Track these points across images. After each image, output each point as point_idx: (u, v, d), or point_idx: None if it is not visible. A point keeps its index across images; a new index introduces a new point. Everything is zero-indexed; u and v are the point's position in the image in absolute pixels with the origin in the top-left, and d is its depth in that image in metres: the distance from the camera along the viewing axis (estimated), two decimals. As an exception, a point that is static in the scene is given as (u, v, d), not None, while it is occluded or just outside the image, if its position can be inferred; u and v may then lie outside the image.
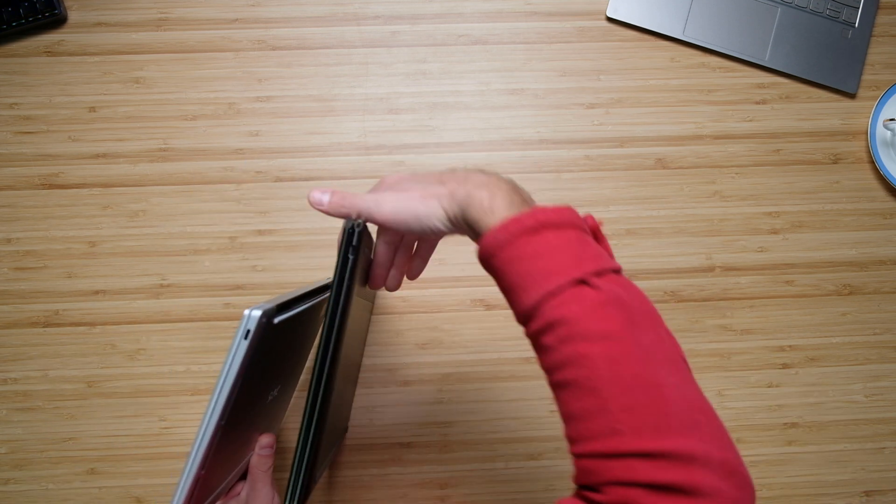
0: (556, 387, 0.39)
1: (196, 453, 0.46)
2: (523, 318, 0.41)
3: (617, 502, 0.34)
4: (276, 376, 0.57)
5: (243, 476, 0.59)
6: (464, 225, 0.44)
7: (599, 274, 0.39)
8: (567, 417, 0.39)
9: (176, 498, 0.46)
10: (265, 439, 0.57)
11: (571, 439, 0.38)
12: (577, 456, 0.37)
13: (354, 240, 0.49)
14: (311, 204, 0.49)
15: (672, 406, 0.35)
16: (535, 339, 0.40)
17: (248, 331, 0.45)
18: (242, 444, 0.56)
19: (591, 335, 0.37)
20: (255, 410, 0.55)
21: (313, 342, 0.70)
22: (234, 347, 0.45)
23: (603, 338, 0.37)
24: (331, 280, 0.53)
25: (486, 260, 0.42)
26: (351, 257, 0.49)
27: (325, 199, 0.49)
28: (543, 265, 0.40)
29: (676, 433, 0.34)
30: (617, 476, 0.35)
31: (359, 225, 0.49)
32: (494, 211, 0.42)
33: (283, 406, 0.68)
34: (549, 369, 0.40)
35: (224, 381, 0.45)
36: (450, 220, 0.45)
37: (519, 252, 0.40)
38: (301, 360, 0.67)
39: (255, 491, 0.56)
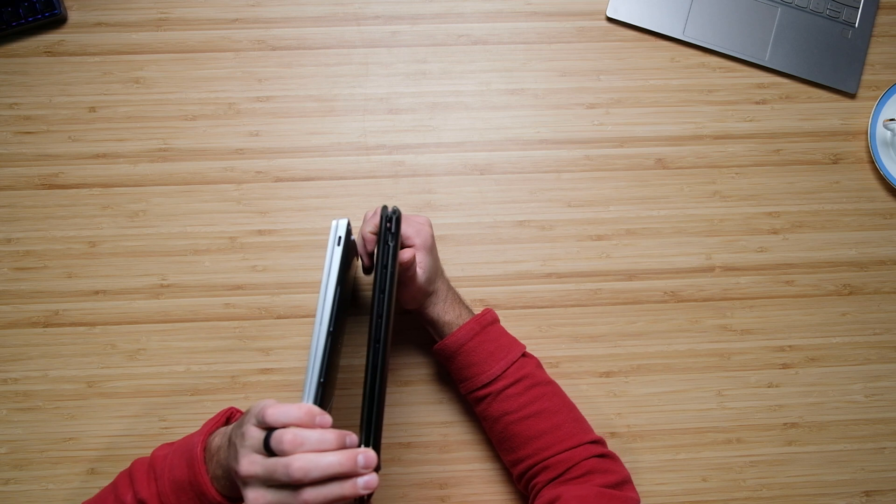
0: (522, 419, 0.63)
1: (314, 363, 0.49)
2: (491, 379, 0.64)
3: (587, 470, 0.61)
4: (341, 321, 0.60)
5: None
6: (431, 310, 0.67)
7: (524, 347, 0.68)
8: (533, 436, 0.63)
9: (304, 401, 0.49)
10: None
11: (540, 449, 0.62)
12: (551, 456, 0.62)
13: (393, 226, 0.51)
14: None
15: (582, 416, 0.66)
16: (500, 392, 0.64)
17: (340, 237, 0.51)
18: (329, 394, 0.58)
19: (542, 381, 0.66)
20: (336, 350, 0.58)
21: (348, 305, 0.72)
22: (330, 254, 0.51)
23: (547, 383, 0.66)
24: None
25: (466, 341, 0.65)
26: (391, 244, 0.50)
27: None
28: (503, 343, 0.66)
29: (591, 430, 0.66)
30: (582, 456, 0.62)
31: (395, 211, 0.51)
32: (460, 317, 0.67)
33: (337, 372, 0.70)
34: (515, 409, 0.63)
35: (326, 287, 0.50)
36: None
37: (485, 335, 0.65)
38: (344, 324, 0.69)
39: None
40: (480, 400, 0.66)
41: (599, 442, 0.65)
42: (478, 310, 0.69)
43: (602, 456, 0.63)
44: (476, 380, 0.65)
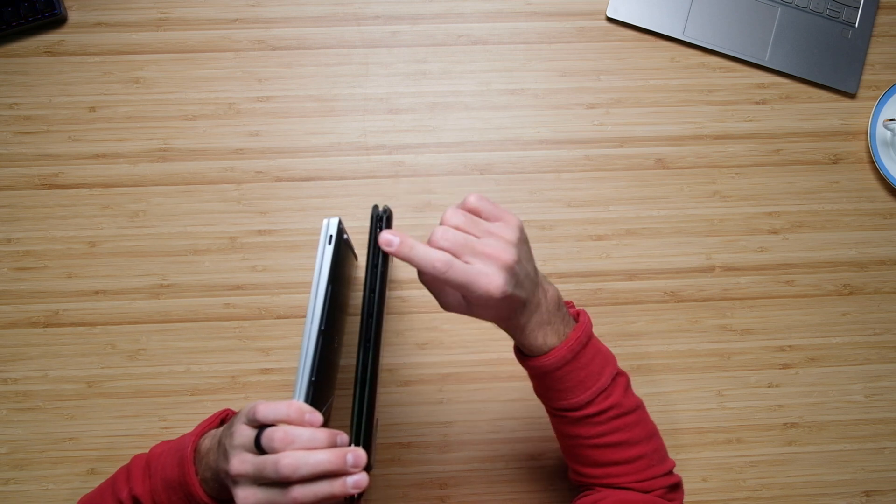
0: (598, 446, 0.57)
1: (304, 362, 0.49)
2: (574, 407, 0.56)
3: (664, 493, 0.58)
4: (337, 320, 0.59)
5: None
6: (517, 316, 0.51)
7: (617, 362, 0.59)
8: (605, 463, 0.58)
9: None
10: None
11: (610, 475, 0.58)
12: (619, 485, 0.57)
13: (384, 225, 0.50)
14: (380, 244, 0.47)
15: (661, 441, 0.61)
16: (585, 418, 0.56)
17: (331, 236, 0.51)
18: (324, 394, 0.57)
19: (628, 410, 0.57)
20: (332, 349, 0.58)
21: (348, 303, 0.72)
22: (321, 254, 0.51)
23: (634, 409, 0.58)
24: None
25: (553, 370, 0.54)
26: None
27: (396, 241, 0.46)
28: (593, 370, 0.55)
29: (667, 457, 0.61)
30: (656, 486, 0.58)
31: (386, 210, 0.51)
32: (547, 338, 0.53)
33: (336, 371, 0.69)
34: (593, 436, 0.57)
35: (317, 286, 0.50)
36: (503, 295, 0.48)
37: (575, 363, 0.54)
38: (342, 321, 0.69)
39: None
40: (555, 415, 0.59)
41: (670, 472, 0.60)
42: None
43: (673, 487, 0.59)
44: (556, 402, 0.57)
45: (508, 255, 0.47)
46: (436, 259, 0.45)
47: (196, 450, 0.53)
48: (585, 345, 0.55)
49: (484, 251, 0.47)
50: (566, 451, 0.61)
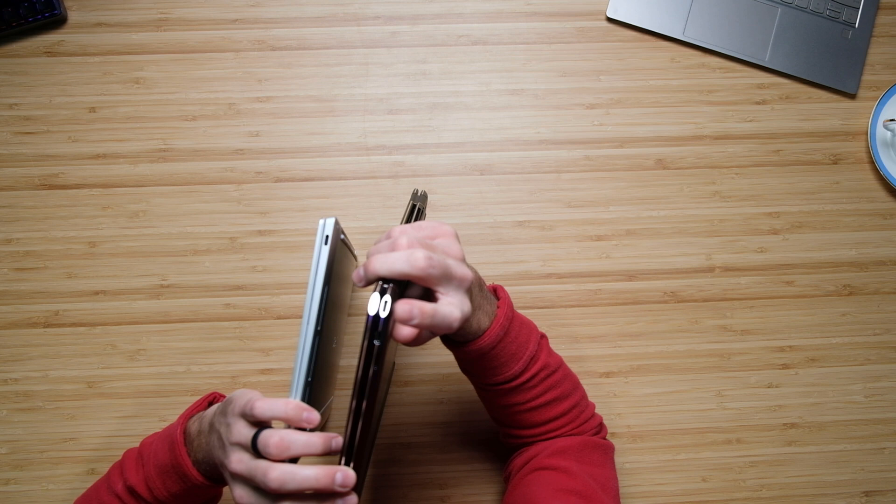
0: (533, 408, 0.59)
1: (301, 361, 0.49)
2: (508, 379, 0.57)
3: (595, 432, 0.63)
4: (335, 320, 0.59)
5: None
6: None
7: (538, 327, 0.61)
8: (540, 423, 0.60)
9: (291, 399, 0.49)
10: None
11: (546, 431, 0.61)
12: (555, 437, 0.61)
13: (380, 326, 0.46)
14: (399, 319, 0.46)
15: (582, 387, 0.64)
16: (518, 386, 0.58)
17: (327, 236, 0.51)
18: (322, 394, 0.58)
19: (555, 368, 0.60)
20: (330, 349, 0.58)
21: (347, 303, 0.72)
22: (317, 254, 0.50)
23: (559, 366, 0.61)
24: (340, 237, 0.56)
25: (489, 351, 0.55)
26: (377, 343, 0.46)
27: (416, 312, 0.46)
28: (522, 340, 0.57)
29: (589, 400, 0.65)
30: (586, 429, 0.62)
31: (385, 309, 0.46)
32: (479, 325, 0.54)
33: (335, 372, 0.69)
34: (528, 400, 0.59)
35: (314, 286, 0.50)
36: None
37: (506, 339, 0.56)
38: (341, 321, 0.69)
39: None
40: (488, 390, 0.60)
41: (594, 413, 0.64)
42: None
43: (599, 427, 0.64)
44: (491, 379, 0.58)
45: (464, 272, 0.49)
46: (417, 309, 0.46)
47: (185, 432, 0.54)
48: (512, 319, 0.57)
49: (453, 276, 0.49)
50: (501, 418, 0.63)
